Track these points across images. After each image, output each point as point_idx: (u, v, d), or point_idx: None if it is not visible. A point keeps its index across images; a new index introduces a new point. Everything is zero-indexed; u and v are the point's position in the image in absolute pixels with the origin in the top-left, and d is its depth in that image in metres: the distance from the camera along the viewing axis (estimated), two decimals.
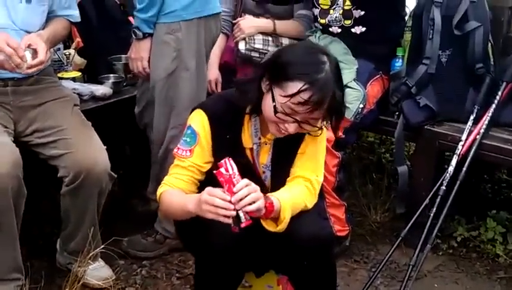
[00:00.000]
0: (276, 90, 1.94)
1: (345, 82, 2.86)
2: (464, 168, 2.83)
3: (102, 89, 3.02)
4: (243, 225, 1.86)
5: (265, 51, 3.28)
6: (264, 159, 2.15)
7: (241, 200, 1.84)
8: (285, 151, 2.13)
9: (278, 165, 2.15)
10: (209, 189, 1.88)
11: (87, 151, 2.49)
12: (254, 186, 1.89)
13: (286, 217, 1.98)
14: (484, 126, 2.89)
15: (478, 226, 3.22)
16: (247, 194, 1.85)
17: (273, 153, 2.14)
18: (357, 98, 2.91)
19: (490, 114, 2.90)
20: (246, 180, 1.88)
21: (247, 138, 2.12)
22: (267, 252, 2.16)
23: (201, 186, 2.06)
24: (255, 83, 2.02)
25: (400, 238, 2.78)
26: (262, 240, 2.05)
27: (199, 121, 2.09)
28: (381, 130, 3.35)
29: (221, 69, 3.32)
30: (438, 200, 2.80)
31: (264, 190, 2.06)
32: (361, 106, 2.92)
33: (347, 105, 2.86)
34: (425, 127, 3.04)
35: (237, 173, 1.87)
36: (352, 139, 3.20)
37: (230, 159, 1.88)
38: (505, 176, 3.71)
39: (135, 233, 2.96)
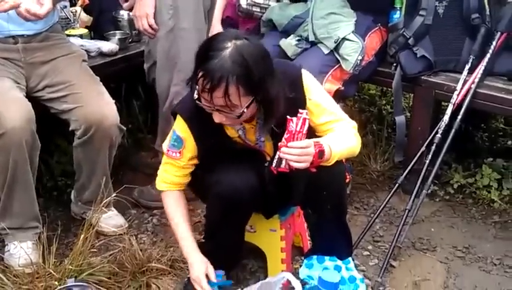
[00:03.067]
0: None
1: (343, 35, 3.00)
2: (459, 117, 2.93)
3: (108, 46, 3.11)
4: (280, 170, 2.03)
5: (267, 6, 3.35)
6: (253, 138, 2.26)
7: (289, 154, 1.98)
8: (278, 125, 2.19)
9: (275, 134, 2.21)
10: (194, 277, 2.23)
11: (96, 105, 2.59)
12: (307, 151, 2.00)
13: (332, 162, 2.11)
14: (479, 76, 2.97)
15: (474, 173, 3.33)
16: (296, 153, 1.98)
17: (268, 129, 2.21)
18: (355, 50, 2.98)
19: (485, 64, 2.98)
20: (305, 143, 1.99)
21: (230, 129, 2.23)
22: (280, 192, 2.29)
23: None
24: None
25: (397, 184, 2.91)
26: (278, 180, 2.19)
27: (181, 126, 2.24)
28: (380, 81, 3.43)
29: (223, 24, 3.37)
30: (433, 147, 2.92)
31: (264, 158, 2.25)
32: (359, 58, 3.00)
33: (346, 57, 2.99)
34: (422, 77, 3.13)
35: (304, 132, 1.99)
36: (351, 91, 3.29)
37: (306, 119, 1.99)
38: (501, 125, 3.81)
39: (145, 184, 3.07)
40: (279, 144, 2.01)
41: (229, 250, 2.40)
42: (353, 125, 2.29)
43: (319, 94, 2.25)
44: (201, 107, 2.09)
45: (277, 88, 2.06)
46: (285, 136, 1.99)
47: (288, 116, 2.00)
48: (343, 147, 2.16)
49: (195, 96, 2.05)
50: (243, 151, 2.26)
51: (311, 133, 2.16)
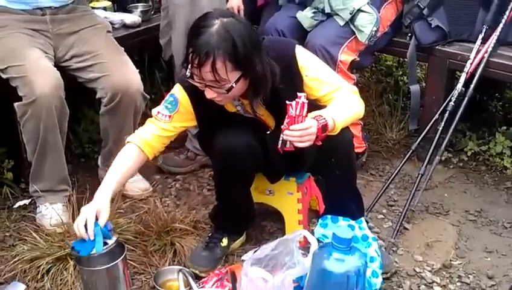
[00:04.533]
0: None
1: (358, 6, 3.06)
2: (472, 85, 3.00)
3: (131, 18, 3.22)
4: (285, 149, 2.14)
5: None
6: (250, 112, 2.34)
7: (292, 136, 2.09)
8: (275, 100, 2.26)
9: (273, 108, 2.31)
10: (86, 210, 2.15)
11: (121, 73, 2.71)
12: (309, 131, 2.09)
13: (338, 131, 2.20)
14: (492, 45, 3.03)
15: (488, 141, 3.41)
16: (298, 135, 2.08)
17: (267, 108, 2.32)
18: (370, 21, 3.05)
19: (498, 33, 3.03)
20: (305, 124, 2.08)
21: (229, 105, 2.33)
22: (285, 160, 2.38)
23: None
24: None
25: (411, 150, 3.00)
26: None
27: (181, 95, 2.32)
28: (395, 51, 3.50)
29: None
30: (446, 115, 3.00)
31: (264, 126, 2.36)
32: (374, 29, 3.07)
33: (361, 29, 3.06)
34: (437, 47, 3.20)
35: (304, 115, 2.08)
36: (367, 61, 3.37)
37: (305, 103, 2.07)
38: None
39: (169, 151, 3.16)
40: (282, 127, 2.11)
41: (237, 209, 2.51)
42: (353, 90, 2.37)
43: (314, 69, 2.32)
44: None
45: (265, 64, 2.15)
46: (286, 120, 2.09)
47: (287, 102, 2.09)
48: (347, 114, 2.25)
49: (188, 73, 2.14)
50: (243, 120, 2.36)
51: (315, 104, 2.26)
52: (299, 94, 2.09)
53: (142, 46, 3.42)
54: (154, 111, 2.36)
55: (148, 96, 2.87)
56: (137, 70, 2.80)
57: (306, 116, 2.09)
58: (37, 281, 2.35)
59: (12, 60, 2.62)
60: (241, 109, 2.34)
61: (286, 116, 2.09)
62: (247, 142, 2.30)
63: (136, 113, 2.81)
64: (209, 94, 2.15)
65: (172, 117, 2.32)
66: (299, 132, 2.08)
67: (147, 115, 3.12)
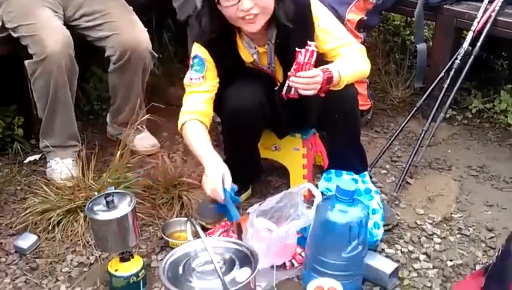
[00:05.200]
0: None
1: None
2: (478, 44, 3.01)
3: None
4: (290, 96, 2.20)
5: None
6: (265, 61, 2.40)
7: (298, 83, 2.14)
8: (287, 50, 2.30)
9: (284, 60, 2.35)
10: (210, 176, 2.25)
11: (130, 32, 2.75)
12: (315, 80, 2.13)
13: (342, 86, 2.24)
14: (499, 4, 3.03)
15: (493, 99, 3.43)
16: (304, 82, 2.13)
17: (278, 54, 2.36)
18: None
19: None
20: (312, 72, 2.13)
21: (246, 53, 2.37)
22: (293, 114, 2.45)
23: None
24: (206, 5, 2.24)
25: (416, 108, 3.04)
26: (289, 104, 2.33)
27: (201, 50, 2.35)
28: (403, 10, 3.51)
29: None
30: (452, 73, 3.02)
31: (274, 82, 2.41)
32: None
33: None
34: (444, 6, 3.21)
35: (312, 63, 2.12)
36: (375, 20, 3.38)
37: (314, 52, 2.11)
38: None
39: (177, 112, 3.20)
40: (288, 73, 2.16)
41: (245, 165, 2.56)
42: (361, 48, 2.41)
43: (327, 21, 2.36)
44: (219, 36, 2.24)
45: None
46: (294, 66, 2.14)
47: (297, 48, 2.13)
48: (352, 70, 2.29)
49: (221, 3, 2.15)
50: (256, 74, 2.41)
51: (321, 59, 2.30)
52: (309, 43, 2.13)
53: (150, 6, 3.44)
54: (186, 81, 2.40)
55: (157, 55, 2.91)
56: (146, 29, 2.83)
57: (313, 65, 2.13)
58: (48, 232, 2.43)
59: (23, 19, 2.66)
60: (256, 58, 2.37)
61: (294, 63, 2.13)
62: (257, 100, 2.34)
63: (144, 71, 2.86)
64: (246, 3, 2.13)
65: (205, 77, 2.36)
66: (305, 79, 2.13)
67: (155, 74, 3.19)
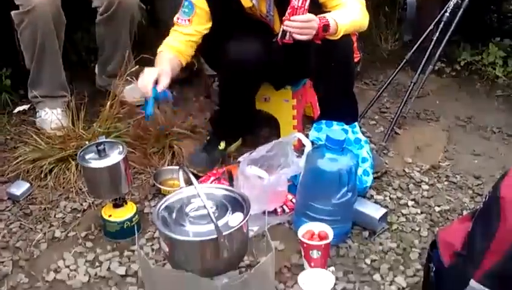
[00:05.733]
0: None
1: None
2: None
3: None
4: (284, 41, 2.19)
5: None
6: (264, 8, 2.37)
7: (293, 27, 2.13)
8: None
9: (283, 10, 2.29)
10: (149, 71, 2.27)
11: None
12: (310, 25, 2.13)
13: (339, 36, 2.24)
14: None
15: (481, 51, 3.45)
16: (298, 26, 2.13)
17: (277, 4, 2.34)
18: None
19: None
20: (306, 17, 2.13)
21: None
22: (290, 65, 2.45)
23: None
24: None
25: (405, 60, 3.04)
26: (288, 52, 2.32)
27: None
28: None
29: None
30: (441, 25, 3.02)
31: (272, 31, 2.38)
32: None
33: None
34: None
35: (306, 7, 2.12)
36: None
37: None
38: (511, 6, 3.87)
39: None
40: (283, 18, 2.16)
41: (239, 116, 2.58)
42: (360, 1, 2.39)
43: None
44: None
45: None
46: (288, 11, 2.13)
47: None
48: (350, 20, 2.28)
49: None
50: (254, 23, 2.39)
51: (320, 11, 2.28)
52: None
53: None
54: (174, 19, 2.43)
55: (144, 7, 2.88)
56: None
57: (307, 10, 2.13)
58: (41, 180, 2.44)
59: None
60: (255, 3, 2.35)
61: (288, 7, 2.13)
62: (258, 52, 2.33)
63: (132, 23, 2.84)
64: None
65: (191, 21, 2.39)
66: (300, 23, 2.13)
67: (142, 26, 3.16)
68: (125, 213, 2.17)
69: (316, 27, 2.15)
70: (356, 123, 2.55)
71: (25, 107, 2.87)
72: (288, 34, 2.17)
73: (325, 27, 2.17)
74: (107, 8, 2.74)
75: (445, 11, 3.05)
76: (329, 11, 2.31)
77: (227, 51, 2.34)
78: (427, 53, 2.99)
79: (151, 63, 2.95)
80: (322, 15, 2.21)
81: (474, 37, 3.57)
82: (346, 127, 2.49)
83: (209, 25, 2.42)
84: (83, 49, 3.33)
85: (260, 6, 2.38)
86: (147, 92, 2.25)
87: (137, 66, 2.82)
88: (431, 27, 3.09)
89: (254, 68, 2.36)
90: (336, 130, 2.44)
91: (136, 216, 2.19)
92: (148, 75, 2.26)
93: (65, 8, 2.65)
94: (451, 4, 3.04)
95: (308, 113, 2.89)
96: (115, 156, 2.12)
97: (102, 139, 2.18)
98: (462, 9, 3.02)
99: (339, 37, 2.24)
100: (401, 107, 2.85)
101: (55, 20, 2.61)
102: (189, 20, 2.39)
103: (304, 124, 2.80)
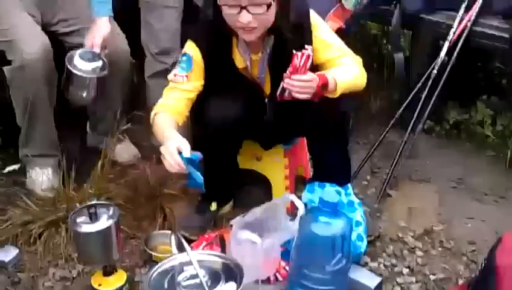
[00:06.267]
0: None
1: None
2: (455, 54, 3.06)
3: None
4: (284, 98, 2.21)
5: None
6: (256, 70, 2.39)
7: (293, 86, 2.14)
8: (280, 61, 2.28)
9: (275, 72, 2.33)
10: (166, 148, 2.09)
11: (111, 41, 2.70)
12: (310, 84, 2.14)
13: (337, 94, 2.25)
14: (475, 14, 3.08)
15: (470, 110, 3.47)
16: (299, 85, 2.13)
17: (270, 65, 2.35)
18: None
19: (481, 2, 3.07)
20: (307, 77, 2.13)
21: (239, 59, 2.35)
22: (282, 123, 2.45)
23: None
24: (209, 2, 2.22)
25: (394, 118, 3.06)
26: (282, 109, 2.35)
27: (193, 50, 2.32)
28: (381, 19, 3.54)
29: None
30: (429, 83, 3.06)
31: (263, 94, 2.40)
32: None
33: None
34: (421, 15, 3.24)
35: (306, 68, 2.13)
36: (353, 29, 3.38)
37: (310, 56, 2.13)
38: (497, 64, 3.93)
39: None
40: (284, 74, 2.16)
41: (224, 176, 2.56)
42: (358, 60, 2.42)
43: (325, 31, 2.38)
44: (215, 37, 2.23)
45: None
46: (290, 69, 2.14)
47: (294, 51, 2.14)
48: (348, 79, 2.29)
49: (220, 1, 2.14)
50: (243, 84, 2.39)
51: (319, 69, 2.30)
52: (306, 47, 2.14)
53: (129, 10, 3.39)
54: (170, 76, 2.35)
55: (134, 61, 2.88)
56: (125, 35, 2.81)
57: (309, 69, 2.14)
58: (30, 245, 2.39)
59: (0, 24, 2.61)
60: (249, 65, 2.35)
61: (290, 66, 2.13)
62: (236, 111, 2.32)
63: (124, 79, 2.84)
64: (246, 17, 2.13)
65: (189, 77, 2.32)
66: (301, 82, 2.13)
67: (133, 83, 3.16)
68: (116, 282, 2.13)
69: (315, 86, 2.16)
70: (349, 184, 2.55)
71: (15, 166, 2.83)
72: (287, 91, 2.18)
73: (324, 85, 2.19)
74: None
75: (433, 69, 3.09)
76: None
77: (207, 108, 2.33)
78: (417, 111, 3.02)
79: (143, 120, 2.98)
80: (321, 72, 2.23)
81: (462, 95, 3.61)
82: (339, 188, 2.48)
83: (202, 81, 2.39)
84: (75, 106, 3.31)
85: (253, 68, 2.39)
86: (182, 169, 2.09)
87: (129, 124, 2.83)
88: (419, 85, 3.12)
89: (233, 127, 2.34)
90: (329, 191, 2.43)
91: (127, 285, 2.15)
92: (170, 153, 2.08)
93: (58, 62, 2.65)
94: (438, 61, 3.09)
95: (300, 173, 2.89)
96: (106, 220, 2.10)
97: (94, 201, 2.15)
98: (449, 67, 3.06)
99: (337, 95, 2.25)
100: (392, 168, 2.86)
101: (48, 77, 2.60)
102: (187, 76, 2.31)
103: (296, 183, 2.79)
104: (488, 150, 3.26)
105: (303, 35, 2.28)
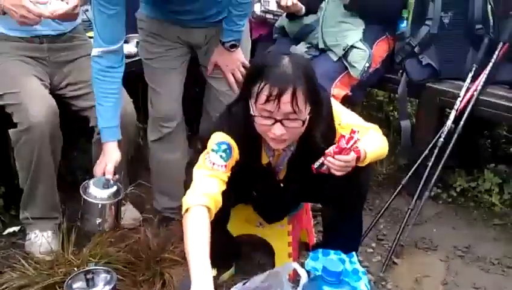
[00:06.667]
0: (251, 101, 2.11)
1: (351, 42, 3.14)
2: (461, 122, 3.05)
3: (127, 48, 3.23)
4: (320, 171, 2.19)
5: (280, 13, 3.48)
6: (275, 163, 2.37)
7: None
8: (302, 158, 2.30)
9: (294, 165, 2.35)
10: None
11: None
12: (351, 164, 2.12)
13: (365, 164, 2.22)
14: (481, 83, 3.09)
15: (477, 178, 3.45)
16: (340, 165, 2.11)
17: (290, 160, 2.35)
18: (363, 57, 3.12)
19: (487, 72, 3.10)
20: (350, 157, 2.11)
21: (264, 155, 2.34)
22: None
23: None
24: (242, 105, 2.19)
25: (401, 185, 3.03)
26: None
27: (230, 141, 2.22)
28: (387, 87, 3.56)
29: None
30: (436, 151, 3.04)
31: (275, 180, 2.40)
32: (367, 64, 3.13)
33: (354, 64, 3.12)
34: (427, 84, 3.25)
35: (351, 149, 2.11)
36: (359, 96, 3.41)
37: (358, 140, 2.10)
38: (504, 132, 3.92)
39: None
40: (326, 151, 2.14)
41: (220, 246, 2.39)
42: (377, 128, 2.43)
43: (346, 116, 2.35)
44: (246, 135, 2.19)
45: (326, 103, 2.22)
46: (335, 149, 2.12)
47: (342, 133, 2.15)
48: (375, 150, 2.29)
49: (255, 115, 2.11)
50: (260, 171, 2.36)
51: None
52: (353, 129, 2.12)
53: (137, 75, 3.43)
54: (207, 164, 2.15)
55: (141, 125, 2.89)
56: (131, 100, 2.83)
57: (352, 150, 2.13)
58: None
59: (8, 87, 2.64)
60: (271, 159, 2.34)
61: (335, 145, 2.12)
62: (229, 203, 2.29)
63: (129, 143, 2.83)
64: (279, 130, 2.09)
65: (228, 167, 2.17)
66: (342, 163, 2.12)
67: (138, 145, 3.16)
68: None
69: (354, 164, 2.15)
70: (354, 253, 2.50)
71: (15, 228, 2.81)
72: (326, 166, 2.16)
73: (357, 159, 2.17)
74: None
75: (440, 136, 3.08)
76: None
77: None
78: (423, 179, 2.99)
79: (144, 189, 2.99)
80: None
81: (469, 162, 3.59)
82: (343, 256, 2.43)
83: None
84: (78, 169, 3.31)
85: (274, 160, 2.37)
86: None
87: (131, 188, 2.81)
88: (426, 152, 3.11)
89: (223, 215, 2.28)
90: (333, 259, 2.38)
91: None
92: None
93: (62, 127, 2.66)
94: (445, 129, 3.08)
95: (304, 239, 2.84)
96: (103, 287, 2.05)
97: (92, 265, 2.11)
98: (456, 135, 3.05)
99: (364, 164, 2.23)
100: (398, 236, 2.81)
101: (53, 140, 2.60)
102: (225, 166, 2.15)
103: (299, 249, 2.74)
104: (496, 219, 3.22)
105: (327, 133, 2.25)
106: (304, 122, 2.11)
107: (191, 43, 2.80)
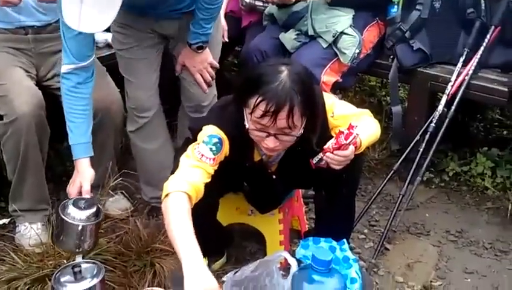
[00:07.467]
0: (246, 110, 2.07)
1: (341, 29, 3.12)
2: (453, 107, 3.04)
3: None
4: (319, 165, 2.17)
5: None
6: (268, 159, 2.35)
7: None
8: (294, 157, 2.29)
9: (287, 160, 2.33)
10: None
11: (103, 93, 2.69)
12: (350, 158, 2.10)
13: (359, 151, 2.21)
14: (473, 68, 3.08)
15: (469, 162, 3.44)
16: (340, 160, 2.10)
17: (285, 159, 2.34)
18: (352, 43, 3.10)
19: (479, 56, 3.08)
20: (349, 152, 2.09)
21: (257, 153, 2.32)
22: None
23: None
24: (235, 108, 2.15)
25: (393, 171, 3.02)
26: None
27: (222, 135, 2.18)
28: (378, 73, 3.55)
29: (226, 18, 3.47)
30: (427, 136, 3.03)
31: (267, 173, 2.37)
32: (357, 51, 3.12)
33: (344, 51, 3.10)
34: (418, 69, 3.24)
35: (350, 144, 2.09)
36: (350, 82, 3.40)
37: (358, 135, 2.09)
38: (497, 115, 3.91)
39: None
40: (325, 147, 2.11)
41: (209, 235, 2.33)
42: (370, 114, 2.40)
43: (338, 106, 2.31)
44: (239, 132, 2.14)
45: (320, 107, 2.18)
46: (334, 145, 2.10)
47: (340, 129, 2.11)
48: (370, 136, 2.27)
49: (248, 125, 2.08)
50: (252, 167, 2.34)
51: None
52: (352, 124, 2.08)
53: None
54: (195, 154, 2.10)
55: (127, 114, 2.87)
56: (119, 90, 2.80)
57: (350, 145, 2.10)
58: None
59: None
60: (265, 158, 2.33)
61: (334, 141, 2.09)
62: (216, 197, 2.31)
63: (116, 133, 2.82)
64: (272, 143, 2.07)
65: (216, 160, 2.13)
66: (342, 158, 2.10)
67: (126, 136, 3.14)
68: None
69: (352, 156, 2.13)
70: (344, 240, 2.49)
71: (5, 221, 2.79)
72: (324, 161, 2.15)
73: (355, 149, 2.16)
74: (93, 116, 2.71)
75: (431, 121, 3.07)
76: None
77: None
78: (415, 163, 2.98)
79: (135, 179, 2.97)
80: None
81: (462, 146, 3.58)
82: (334, 244, 2.42)
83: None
84: (68, 160, 3.28)
85: (267, 157, 2.35)
86: None
87: (120, 179, 2.79)
88: (417, 137, 3.10)
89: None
90: (323, 248, 2.37)
91: None
92: None
93: (52, 116, 2.63)
94: (436, 114, 3.07)
95: (295, 227, 2.83)
96: (91, 280, 2.04)
97: (79, 259, 2.09)
98: (448, 119, 3.04)
99: (360, 151, 2.22)
100: (390, 221, 2.80)
101: (39, 132, 2.58)
102: (213, 160, 2.11)
103: (290, 237, 2.73)
104: (488, 203, 3.21)
105: (321, 130, 2.20)
106: (297, 136, 2.10)
107: (163, 34, 2.77)
